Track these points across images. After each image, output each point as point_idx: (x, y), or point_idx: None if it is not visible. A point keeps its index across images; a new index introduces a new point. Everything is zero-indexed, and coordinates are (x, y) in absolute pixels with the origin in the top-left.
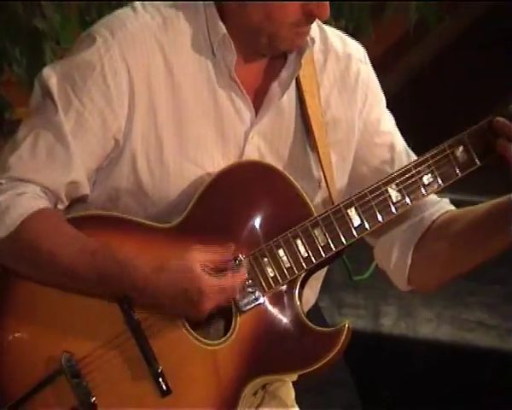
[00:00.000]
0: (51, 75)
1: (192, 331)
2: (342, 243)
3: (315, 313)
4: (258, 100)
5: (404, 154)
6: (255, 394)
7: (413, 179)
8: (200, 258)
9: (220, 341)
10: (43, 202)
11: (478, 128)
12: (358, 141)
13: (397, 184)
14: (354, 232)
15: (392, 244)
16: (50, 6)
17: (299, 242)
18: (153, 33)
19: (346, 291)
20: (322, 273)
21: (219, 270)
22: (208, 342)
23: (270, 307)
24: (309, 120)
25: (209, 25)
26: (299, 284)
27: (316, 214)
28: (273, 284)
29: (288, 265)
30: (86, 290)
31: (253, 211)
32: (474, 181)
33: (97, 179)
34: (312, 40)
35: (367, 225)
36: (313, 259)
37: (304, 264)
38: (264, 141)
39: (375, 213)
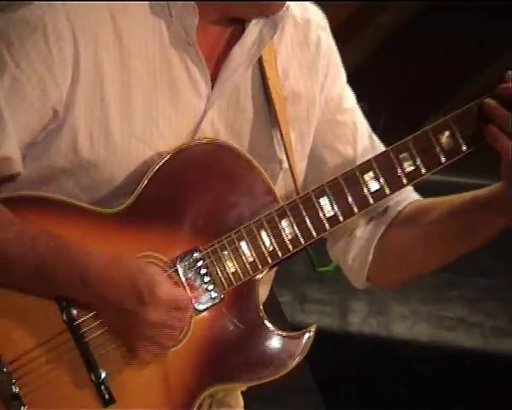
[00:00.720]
0: None
1: None
2: (312, 236)
3: (274, 309)
4: (216, 70)
5: (366, 135)
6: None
7: (393, 167)
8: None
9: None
10: None
11: (465, 110)
12: (318, 119)
13: (374, 172)
14: (326, 225)
15: (350, 236)
16: None
17: (263, 233)
18: None
19: (309, 285)
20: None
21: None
22: None
23: (228, 307)
24: (270, 94)
25: None
26: (260, 280)
27: (282, 203)
28: (233, 281)
29: (251, 259)
30: (20, 283)
31: (211, 197)
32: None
33: (28, 155)
34: (287, 7)
35: (340, 217)
36: (279, 253)
37: (269, 258)
38: (220, 117)
39: (349, 203)
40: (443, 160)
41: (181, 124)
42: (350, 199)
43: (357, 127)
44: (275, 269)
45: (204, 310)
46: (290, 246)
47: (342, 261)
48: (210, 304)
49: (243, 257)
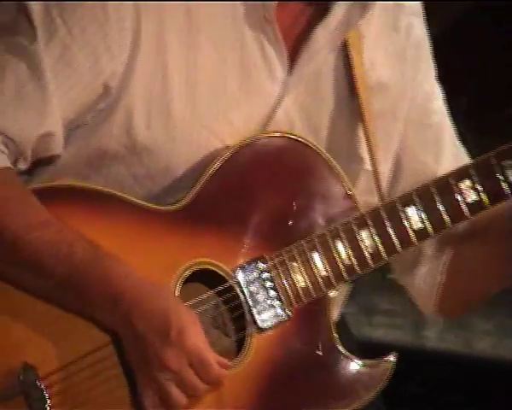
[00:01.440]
0: None
1: None
2: (396, 250)
3: (337, 321)
4: (294, 52)
5: (451, 143)
6: None
7: (493, 175)
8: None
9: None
10: (1, 160)
11: None
12: (404, 117)
13: (471, 180)
14: (413, 238)
15: (418, 254)
16: None
17: (339, 245)
18: None
19: (377, 294)
20: None
21: None
22: None
23: (296, 327)
24: (355, 83)
25: None
26: (335, 299)
27: (362, 210)
28: (303, 297)
29: (324, 273)
30: (48, 291)
31: (281, 199)
32: None
33: (73, 136)
34: None
35: (430, 230)
36: (357, 268)
37: (344, 274)
38: (296, 106)
39: (440, 214)
40: None
41: (251, 111)
42: (442, 210)
43: (443, 133)
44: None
45: (268, 329)
46: (370, 261)
47: (408, 284)
48: (275, 322)
49: (315, 270)
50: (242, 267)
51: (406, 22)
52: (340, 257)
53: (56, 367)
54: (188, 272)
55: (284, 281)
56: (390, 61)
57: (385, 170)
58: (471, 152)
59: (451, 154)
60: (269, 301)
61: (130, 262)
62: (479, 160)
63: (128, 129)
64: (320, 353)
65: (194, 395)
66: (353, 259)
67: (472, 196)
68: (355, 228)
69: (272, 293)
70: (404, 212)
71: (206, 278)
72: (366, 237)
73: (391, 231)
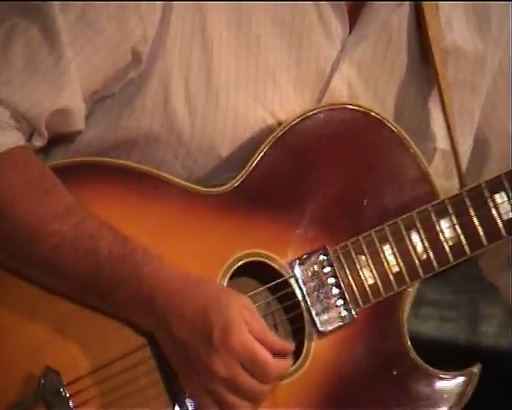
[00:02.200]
0: None
1: None
2: (482, 244)
3: None
4: (355, 9)
5: None
6: None
7: None
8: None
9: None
10: (13, 137)
11: None
12: (488, 89)
13: None
14: (502, 230)
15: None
16: None
17: (415, 236)
18: None
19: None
20: None
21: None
22: None
23: (361, 331)
24: (429, 47)
25: None
26: (408, 299)
27: (440, 195)
28: (371, 297)
29: (397, 269)
30: (69, 292)
31: (344, 182)
32: None
33: (100, 111)
34: None
35: None
36: (434, 263)
37: (420, 270)
38: (359, 72)
39: None
40: None
41: (305, 78)
42: None
43: None
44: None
45: (328, 332)
46: (450, 256)
47: (502, 283)
48: (337, 325)
49: (386, 265)
50: (300, 260)
51: None
52: (415, 250)
53: (83, 373)
54: (237, 265)
55: (349, 277)
56: (469, 24)
57: (465, 150)
58: None
59: None
60: (331, 300)
61: (167, 255)
62: None
63: (164, 103)
64: (389, 361)
65: (256, 397)
66: (431, 253)
67: None
68: (433, 217)
69: (335, 291)
70: (493, 199)
71: (257, 271)
72: (447, 228)
73: (476, 222)
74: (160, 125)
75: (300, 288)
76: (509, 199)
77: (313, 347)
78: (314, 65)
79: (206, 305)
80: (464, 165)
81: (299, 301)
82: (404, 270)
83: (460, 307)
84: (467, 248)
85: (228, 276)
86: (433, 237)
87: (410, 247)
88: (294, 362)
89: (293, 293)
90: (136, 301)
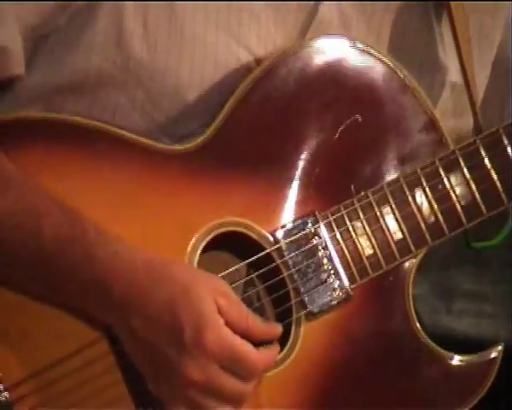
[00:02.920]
0: None
1: None
2: (501, 201)
3: None
4: None
5: None
6: None
7: None
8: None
9: None
10: None
11: None
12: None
13: None
14: None
15: None
16: None
17: (419, 195)
18: None
19: (458, 269)
20: None
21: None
22: None
23: (360, 311)
24: None
25: None
26: (413, 272)
27: (450, 143)
28: (369, 270)
29: (400, 236)
30: (23, 281)
31: (337, 135)
32: None
33: (43, 49)
34: None
35: None
36: (445, 228)
37: (427, 235)
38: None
39: None
40: None
41: (286, 6)
42: None
43: None
44: None
45: (320, 313)
46: (462, 216)
47: None
48: (330, 304)
49: (387, 232)
50: (284, 229)
51: None
52: (421, 213)
53: (28, 374)
54: (209, 238)
55: (343, 247)
56: None
57: (481, 83)
58: None
59: None
60: (321, 276)
61: (125, 231)
62: None
63: (118, 38)
64: (394, 344)
65: (241, 398)
66: (439, 215)
67: None
68: (442, 171)
69: (326, 264)
70: None
71: (234, 244)
72: (458, 184)
73: (493, 175)
74: (112, 63)
75: (285, 262)
76: None
77: (302, 331)
78: None
79: (174, 298)
80: (480, 100)
81: (284, 278)
82: (408, 237)
83: (500, 301)
84: (483, 208)
85: (198, 251)
86: (442, 196)
87: (415, 209)
88: (281, 350)
89: (278, 268)
90: (89, 294)
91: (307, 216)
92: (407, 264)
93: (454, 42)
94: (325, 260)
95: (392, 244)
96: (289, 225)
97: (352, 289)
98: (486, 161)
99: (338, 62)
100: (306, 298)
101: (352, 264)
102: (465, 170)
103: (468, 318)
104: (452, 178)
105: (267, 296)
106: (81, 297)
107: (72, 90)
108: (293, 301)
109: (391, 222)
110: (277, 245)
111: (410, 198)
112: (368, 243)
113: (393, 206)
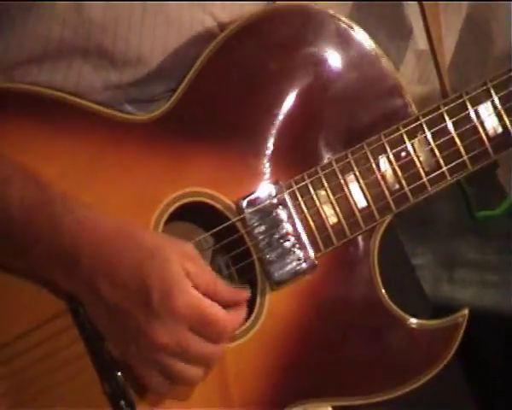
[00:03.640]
0: None
1: None
2: (465, 166)
3: (405, 276)
4: None
5: None
6: None
7: None
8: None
9: (234, 334)
10: None
11: None
12: None
13: None
14: (490, 149)
15: None
16: None
17: (383, 162)
18: None
19: (461, 239)
20: None
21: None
22: None
23: (325, 280)
24: None
25: None
26: (378, 239)
27: (414, 109)
28: (334, 239)
29: (364, 203)
30: None
31: (299, 101)
32: None
33: (2, 23)
34: None
35: None
36: (408, 194)
37: (391, 203)
38: None
39: None
40: None
41: None
42: None
43: None
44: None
45: (284, 283)
46: (426, 182)
47: None
48: (294, 274)
49: (351, 200)
50: (248, 199)
51: None
52: (384, 180)
53: None
54: (172, 208)
55: (307, 216)
56: None
57: (449, 47)
58: None
59: None
60: (285, 245)
61: (89, 199)
62: None
63: (77, 4)
64: (359, 312)
65: (210, 361)
66: (404, 182)
67: None
68: (405, 137)
69: (291, 234)
70: (476, 110)
71: (198, 215)
72: (420, 149)
73: (456, 140)
74: (73, 31)
75: (249, 232)
76: (496, 110)
77: (268, 301)
78: None
79: (141, 262)
80: (448, 65)
81: (249, 248)
82: (372, 204)
83: (504, 270)
84: (447, 173)
85: (162, 222)
86: (405, 163)
87: (379, 176)
88: (247, 320)
89: (243, 238)
90: (55, 260)
91: (271, 185)
92: (372, 231)
93: (420, 8)
94: (289, 230)
95: (357, 212)
96: (253, 195)
97: (316, 257)
98: (450, 126)
99: (302, 28)
100: (271, 268)
101: (316, 233)
102: (429, 136)
103: (470, 287)
104: (416, 144)
105: (232, 267)
106: (47, 264)
107: (33, 61)
108: (257, 271)
109: (355, 190)
110: (241, 215)
111: (374, 166)
112: (332, 211)
113: (357, 174)
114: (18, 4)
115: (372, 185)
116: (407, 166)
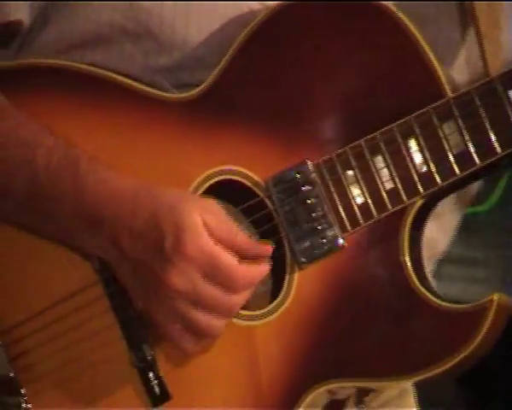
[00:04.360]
0: None
1: None
2: (495, 151)
3: None
4: None
5: None
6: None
7: None
8: (210, 221)
9: (262, 311)
10: None
11: None
12: None
13: None
14: None
15: None
16: None
17: (412, 144)
18: None
19: None
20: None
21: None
22: (240, 311)
23: (354, 261)
24: None
25: None
26: (409, 222)
27: (448, 92)
28: (361, 219)
29: (391, 185)
30: (12, 211)
31: (331, 84)
32: None
33: (54, 9)
34: None
35: None
36: (437, 177)
37: (419, 185)
38: None
39: None
40: None
41: None
42: None
43: None
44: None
45: (310, 262)
46: (455, 167)
47: None
48: (322, 253)
49: (378, 181)
50: (278, 176)
51: None
52: (412, 162)
53: (22, 318)
54: (206, 185)
55: (335, 196)
56: None
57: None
58: None
59: None
60: (312, 224)
61: (124, 173)
62: None
63: None
64: (389, 294)
65: (225, 311)
66: (431, 164)
67: None
68: (435, 120)
69: (317, 213)
70: (508, 97)
71: (231, 192)
72: (451, 133)
73: (488, 125)
74: (122, 15)
75: (277, 209)
76: None
77: (296, 280)
78: None
79: (158, 214)
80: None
81: (276, 225)
82: (399, 186)
83: (491, 266)
84: (475, 157)
85: None
86: (435, 145)
87: (408, 158)
88: (274, 298)
89: (271, 215)
90: (80, 220)
91: (300, 164)
92: (402, 213)
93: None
94: (317, 209)
95: (384, 193)
96: (282, 173)
97: (344, 237)
98: (481, 110)
99: (337, 11)
100: (298, 246)
101: (342, 213)
102: (459, 119)
103: (457, 283)
104: (445, 128)
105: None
106: (73, 226)
107: (87, 44)
108: (285, 250)
109: (383, 171)
110: (269, 192)
111: (402, 147)
112: (359, 191)
113: (385, 155)
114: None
115: (400, 167)
116: (436, 148)
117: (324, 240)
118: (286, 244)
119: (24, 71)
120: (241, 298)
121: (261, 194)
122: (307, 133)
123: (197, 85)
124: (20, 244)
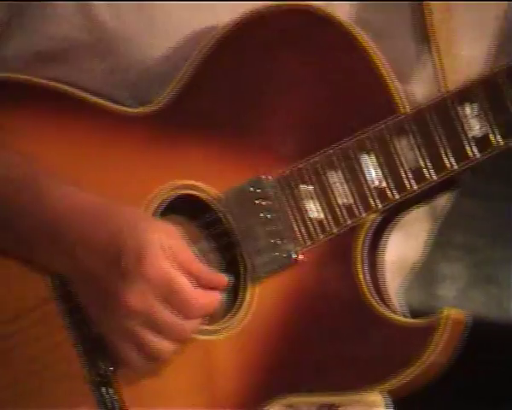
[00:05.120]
0: None
1: None
2: (445, 167)
3: None
4: None
5: None
6: None
7: None
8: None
9: (219, 325)
10: None
11: None
12: None
13: None
14: (473, 149)
15: None
16: None
17: (366, 160)
18: None
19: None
20: None
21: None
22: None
23: (310, 275)
24: None
25: None
26: (362, 236)
27: (406, 107)
28: (314, 234)
29: (345, 200)
30: None
31: (290, 100)
32: None
33: (15, 24)
34: None
35: (492, 138)
36: (394, 192)
37: (376, 200)
38: None
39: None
40: None
41: None
42: None
43: None
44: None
45: (267, 277)
46: (413, 181)
47: None
48: (275, 268)
49: (332, 196)
50: (234, 191)
51: None
52: (365, 178)
53: None
54: (161, 199)
55: (289, 211)
56: None
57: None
58: None
59: None
60: (267, 239)
61: (86, 189)
62: None
63: (88, 13)
64: (342, 308)
65: (177, 336)
66: (385, 179)
67: None
68: (387, 136)
69: (272, 227)
70: (462, 108)
71: (189, 207)
72: (407, 147)
73: (438, 140)
74: (79, 31)
75: (233, 225)
76: (482, 112)
77: (256, 294)
78: None
79: (120, 230)
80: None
81: (235, 241)
82: (357, 200)
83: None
84: (432, 173)
85: (150, 212)
86: (388, 161)
87: (360, 173)
88: (229, 313)
89: (228, 230)
90: (39, 235)
91: (255, 179)
92: (357, 228)
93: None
94: (272, 223)
95: (338, 208)
96: (238, 187)
97: (299, 252)
98: (433, 126)
99: (296, 24)
100: (255, 260)
101: (296, 228)
102: (414, 134)
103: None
104: (403, 141)
105: (218, 258)
106: (32, 239)
107: (48, 58)
108: (241, 265)
109: (338, 186)
110: (226, 206)
111: (355, 163)
112: (314, 206)
113: (340, 170)
114: (31, 5)
115: (354, 182)
116: (390, 163)
117: (279, 254)
118: (245, 258)
119: None
120: (194, 324)
121: (218, 208)
122: (264, 147)
123: (159, 101)
124: None
